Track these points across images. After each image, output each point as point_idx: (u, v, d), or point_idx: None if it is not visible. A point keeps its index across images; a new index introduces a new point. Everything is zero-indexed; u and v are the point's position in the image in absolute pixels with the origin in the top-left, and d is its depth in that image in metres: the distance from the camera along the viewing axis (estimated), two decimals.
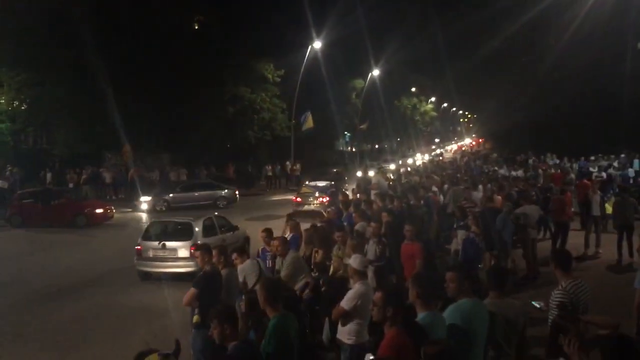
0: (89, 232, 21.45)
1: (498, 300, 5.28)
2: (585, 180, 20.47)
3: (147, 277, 13.52)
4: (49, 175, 33.62)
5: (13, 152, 36.58)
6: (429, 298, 4.91)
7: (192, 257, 12.09)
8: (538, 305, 5.76)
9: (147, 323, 10.38)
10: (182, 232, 13.72)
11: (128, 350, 8.72)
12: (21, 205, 23.12)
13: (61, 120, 36.08)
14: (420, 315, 4.82)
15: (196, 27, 46.39)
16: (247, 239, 14.99)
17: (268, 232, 9.64)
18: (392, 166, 41.98)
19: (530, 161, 34.16)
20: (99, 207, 23.55)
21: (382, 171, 25.15)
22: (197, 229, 13.60)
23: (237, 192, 30.32)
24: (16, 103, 37.15)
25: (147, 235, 13.88)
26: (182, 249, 13.22)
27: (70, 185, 33.06)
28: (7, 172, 33.02)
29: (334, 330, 6.83)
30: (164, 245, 13.32)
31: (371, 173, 33.69)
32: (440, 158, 60.18)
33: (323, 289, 7.95)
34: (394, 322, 4.46)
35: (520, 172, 27.47)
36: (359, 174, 33.61)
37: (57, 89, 34.37)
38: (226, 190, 30.14)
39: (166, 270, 13.19)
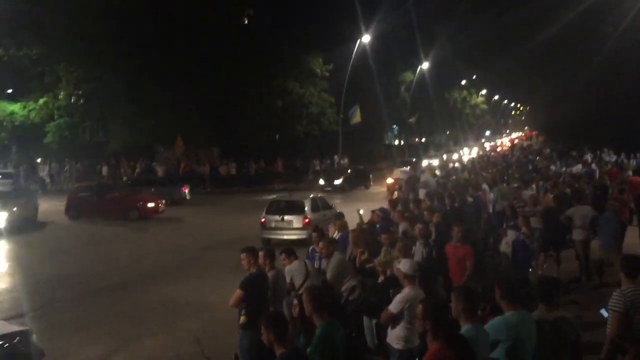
0: (141, 226, 22.07)
1: (547, 313, 5.13)
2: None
3: (268, 243, 16.11)
4: (104, 169, 34.71)
5: (72, 146, 37.99)
6: (472, 310, 4.82)
7: (304, 227, 16.41)
8: (606, 315, 5.66)
9: (198, 318, 10.62)
10: (296, 208, 17.26)
11: (182, 342, 9.12)
12: (78, 199, 23.96)
13: (116, 114, 37.16)
14: (464, 328, 4.74)
15: (246, 22, 46.89)
16: (341, 214, 15.67)
17: (319, 231, 9.71)
18: (435, 161, 41.32)
19: (588, 157, 32.86)
20: (151, 201, 24.11)
21: (430, 169, 24.87)
22: (307, 206, 17.23)
23: (186, 191, 29.18)
24: (74, 98, 38.49)
25: (269, 210, 17.38)
26: (297, 221, 16.83)
27: (125, 178, 34.06)
28: (66, 166, 34.39)
29: (380, 334, 6.87)
30: (283, 218, 16.93)
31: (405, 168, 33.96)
32: (492, 152, 58.63)
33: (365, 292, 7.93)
34: (436, 335, 4.36)
35: (577, 168, 26.50)
36: (404, 170, 33.53)
37: (111, 84, 35.39)
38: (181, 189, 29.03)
39: (284, 237, 16.00)
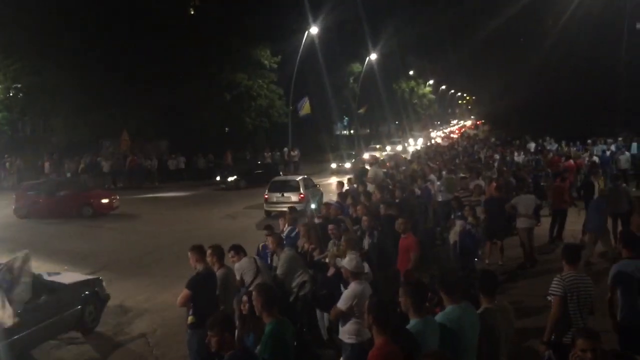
0: (96, 223, 21.31)
1: (490, 305, 5.27)
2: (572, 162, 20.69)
3: (270, 215, 20.12)
4: (47, 165, 33.55)
5: (11, 141, 36.55)
6: (419, 305, 4.89)
7: (300, 201, 19.72)
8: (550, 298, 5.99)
9: (149, 319, 10.45)
10: (293, 187, 21.17)
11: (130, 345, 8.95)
12: (26, 197, 22.68)
13: (58, 108, 35.97)
14: (412, 322, 4.82)
15: (192, 12, 46.09)
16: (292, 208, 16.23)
17: (269, 228, 9.66)
18: (381, 154, 41.51)
19: (532, 145, 33.80)
20: (105, 197, 23.32)
21: (380, 162, 25.36)
22: (301, 185, 21.06)
23: None
24: (12, 92, 37.00)
25: (271, 189, 21.24)
26: (294, 196, 20.50)
27: (68, 174, 33.03)
28: (7, 163, 33.07)
29: (332, 327, 6.92)
30: (282, 194, 20.69)
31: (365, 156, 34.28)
32: (445, 141, 59.43)
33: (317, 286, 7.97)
34: (381, 330, 4.42)
35: (521, 158, 27.28)
36: (352, 162, 33.97)
37: (53, 77, 34.19)
38: None
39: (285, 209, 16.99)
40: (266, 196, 21.06)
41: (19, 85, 36.16)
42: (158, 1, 36.94)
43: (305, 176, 23.55)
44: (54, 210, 21.96)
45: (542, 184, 18.58)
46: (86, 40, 33.34)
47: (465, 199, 13.63)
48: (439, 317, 5.04)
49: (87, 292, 9.69)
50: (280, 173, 31.02)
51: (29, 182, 26.05)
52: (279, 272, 8.17)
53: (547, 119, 46.96)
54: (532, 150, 31.92)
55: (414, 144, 56.73)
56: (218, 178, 32.47)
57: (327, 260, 8.49)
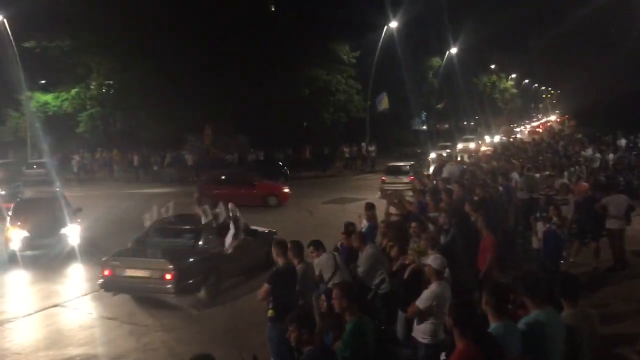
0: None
1: (572, 310, 5.03)
2: None
3: (386, 192, 21.50)
4: (136, 158, 35.22)
5: (103, 135, 38.71)
6: (501, 307, 4.73)
7: (409, 182, 23.03)
8: None
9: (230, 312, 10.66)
10: (404, 171, 25.96)
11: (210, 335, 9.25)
12: (210, 189, 22.66)
13: (145, 105, 37.63)
14: (493, 325, 4.67)
15: (272, 9, 46.83)
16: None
17: (349, 226, 9.60)
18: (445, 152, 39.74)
19: (623, 142, 31.82)
20: (286, 188, 24.24)
21: (456, 158, 25.26)
22: (410, 170, 25.95)
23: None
24: (104, 88, 39.09)
25: (387, 172, 26.03)
26: (405, 178, 24.60)
27: (155, 167, 34.53)
28: (98, 155, 35.06)
29: (408, 327, 6.88)
30: (397, 176, 25.35)
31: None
32: (519, 137, 57.08)
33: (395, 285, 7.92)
34: (463, 333, 4.31)
35: (611, 156, 25.80)
36: (432, 156, 33.06)
37: (140, 74, 35.81)
38: None
39: (399, 187, 21.90)
40: (383, 178, 25.48)
41: (111, 82, 38.18)
42: None
43: (413, 163, 28.47)
44: (239, 201, 22.33)
45: (634, 182, 17.57)
46: (172, 39, 34.66)
47: (551, 197, 13.11)
48: (523, 321, 4.87)
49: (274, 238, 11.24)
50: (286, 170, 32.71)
51: (211, 173, 26.91)
52: (360, 270, 8.18)
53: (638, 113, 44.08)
54: (624, 147, 30.14)
55: (491, 141, 54.58)
56: None
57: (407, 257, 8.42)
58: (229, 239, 10.93)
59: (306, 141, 41.37)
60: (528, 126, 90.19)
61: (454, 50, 54.35)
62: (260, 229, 13.67)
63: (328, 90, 43.28)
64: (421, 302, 6.24)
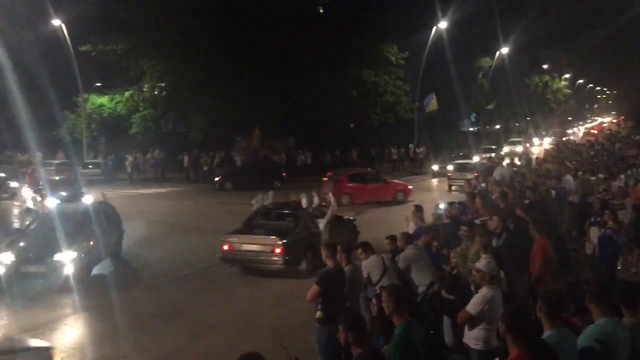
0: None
1: (632, 319, 4.81)
2: None
3: (451, 188, 26.96)
4: (186, 159, 35.94)
5: (155, 136, 39.69)
6: (555, 315, 4.58)
7: (473, 178, 21.61)
8: None
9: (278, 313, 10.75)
10: (468, 168, 28.11)
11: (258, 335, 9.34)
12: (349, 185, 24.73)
13: (195, 106, 38.35)
14: (547, 333, 4.54)
15: (321, 11, 46.91)
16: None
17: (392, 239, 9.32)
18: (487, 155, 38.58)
19: None
20: (410, 185, 26.23)
21: (508, 160, 24.99)
22: (473, 167, 27.97)
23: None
24: (157, 91, 40.07)
25: (454, 169, 29.37)
26: (469, 175, 24.14)
27: (205, 168, 35.16)
28: (148, 155, 35.95)
29: (458, 332, 6.77)
30: (462, 173, 27.02)
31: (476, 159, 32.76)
32: (572, 139, 55.30)
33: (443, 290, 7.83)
34: (517, 340, 4.19)
35: None
36: (477, 159, 32.65)
37: (192, 77, 36.51)
38: None
39: (461, 184, 24.01)
40: (449, 174, 28.41)
41: (163, 84, 39.09)
42: (289, 1, 38.01)
43: (478, 159, 31.11)
44: (374, 196, 24.36)
45: None
46: (220, 42, 35.20)
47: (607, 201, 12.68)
48: (589, 330, 4.69)
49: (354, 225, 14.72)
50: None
51: (337, 172, 27.60)
52: (400, 265, 8.19)
53: None
54: None
55: (540, 143, 52.91)
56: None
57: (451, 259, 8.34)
58: (322, 222, 13.35)
59: (354, 142, 41.29)
60: (582, 127, 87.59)
61: (504, 50, 53.26)
62: (344, 216, 15.61)
63: (376, 91, 43.08)
64: (472, 307, 6.11)
